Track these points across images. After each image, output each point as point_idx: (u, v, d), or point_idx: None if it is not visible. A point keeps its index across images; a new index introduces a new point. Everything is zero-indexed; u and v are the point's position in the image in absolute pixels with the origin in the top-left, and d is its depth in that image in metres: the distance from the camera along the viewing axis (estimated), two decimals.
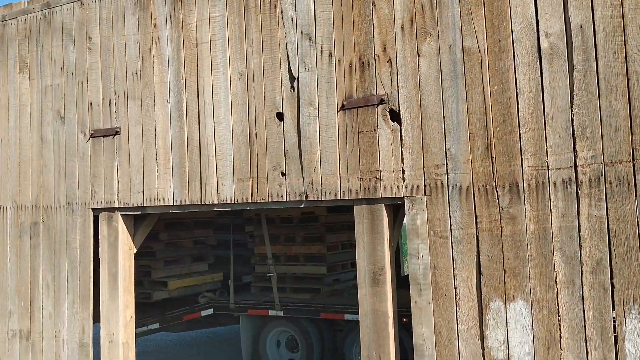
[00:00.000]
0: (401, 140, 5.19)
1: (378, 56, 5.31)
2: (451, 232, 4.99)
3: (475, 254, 4.90)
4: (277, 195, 5.71)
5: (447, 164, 5.01)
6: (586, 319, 4.52)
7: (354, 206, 5.39)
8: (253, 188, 5.84)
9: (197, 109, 6.23)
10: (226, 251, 11.47)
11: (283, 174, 5.70)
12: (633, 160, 4.39)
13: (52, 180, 7.26)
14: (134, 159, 6.60)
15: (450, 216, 4.99)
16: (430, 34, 5.10)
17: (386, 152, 5.24)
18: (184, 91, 6.31)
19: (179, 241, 10.99)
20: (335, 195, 5.45)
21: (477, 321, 4.87)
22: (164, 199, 6.38)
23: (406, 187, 5.16)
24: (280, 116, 5.77)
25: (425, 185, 5.10)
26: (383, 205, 5.27)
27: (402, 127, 5.19)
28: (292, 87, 5.69)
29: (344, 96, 5.44)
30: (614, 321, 4.46)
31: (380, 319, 5.24)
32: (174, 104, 6.37)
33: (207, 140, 6.15)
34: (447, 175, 5.01)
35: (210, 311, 10.42)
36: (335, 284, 10.33)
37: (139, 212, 6.65)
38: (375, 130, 5.29)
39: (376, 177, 5.27)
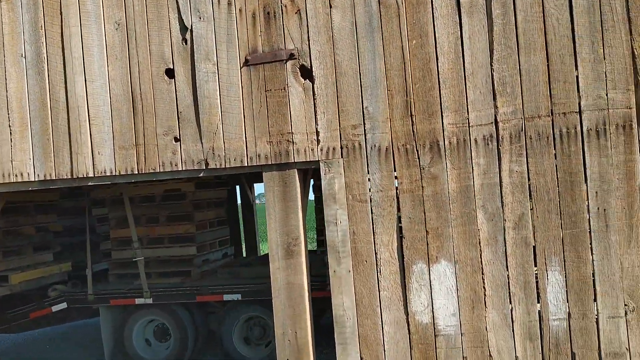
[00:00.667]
0: (314, 99, 4.77)
1: (285, 6, 4.81)
2: (370, 195, 4.71)
3: (396, 216, 4.68)
4: (171, 164, 5.00)
5: (364, 123, 4.71)
6: (510, 275, 4.53)
7: (264, 173, 4.88)
8: (140, 157, 5.05)
9: (62, 65, 5.22)
10: (72, 238, 10.21)
11: (177, 140, 5.00)
12: (552, 114, 4.44)
13: None
14: None
15: (369, 179, 4.71)
16: None
17: (298, 112, 4.80)
18: (44, 44, 5.25)
19: (18, 228, 9.52)
20: (242, 161, 4.89)
21: (400, 286, 4.68)
22: (22, 174, 5.30)
23: (321, 150, 4.77)
24: (170, 73, 5.03)
25: (342, 147, 4.75)
26: (296, 170, 4.84)
27: (315, 85, 4.77)
28: (185, 39, 4.98)
29: (248, 51, 4.88)
30: (537, 275, 4.52)
31: (296, 293, 4.84)
32: (32, 59, 5.28)
33: (77, 102, 5.19)
34: (365, 136, 4.71)
35: (64, 305, 9.17)
36: (205, 265, 9.69)
37: None
38: (285, 89, 4.81)
39: (288, 140, 4.81)
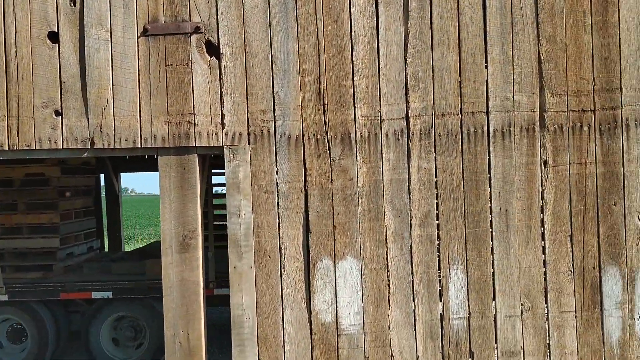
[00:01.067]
0: (221, 79, 4.40)
1: None
2: (277, 186, 4.43)
3: (304, 210, 4.44)
4: (50, 141, 4.35)
5: (275, 109, 4.42)
6: (414, 273, 4.46)
7: (160, 157, 4.41)
8: (12, 131, 4.35)
9: None
10: None
11: (58, 114, 4.37)
12: (461, 113, 4.45)
13: None
14: None
15: (277, 168, 4.43)
16: None
17: (202, 91, 4.39)
18: None
19: None
20: (134, 142, 4.37)
21: (304, 283, 4.44)
22: None
23: (226, 135, 4.40)
24: (54, 37, 4.39)
25: (249, 133, 4.42)
26: (196, 155, 4.42)
27: (222, 64, 4.40)
28: (73, 0, 4.38)
29: (147, 19, 4.38)
30: (440, 273, 4.49)
31: (190, 291, 4.41)
32: None
33: None
34: (275, 123, 4.42)
35: None
36: (69, 259, 8.78)
37: None
38: (188, 65, 4.39)
39: (189, 122, 4.39)
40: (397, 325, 4.46)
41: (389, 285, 4.45)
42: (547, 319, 4.49)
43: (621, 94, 4.47)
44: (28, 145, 4.34)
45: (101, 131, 4.36)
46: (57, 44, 4.38)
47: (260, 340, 4.41)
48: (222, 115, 4.39)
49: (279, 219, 4.42)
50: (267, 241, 4.42)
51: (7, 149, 4.35)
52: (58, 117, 4.36)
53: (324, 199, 4.43)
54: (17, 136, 4.34)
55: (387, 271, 4.45)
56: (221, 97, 4.39)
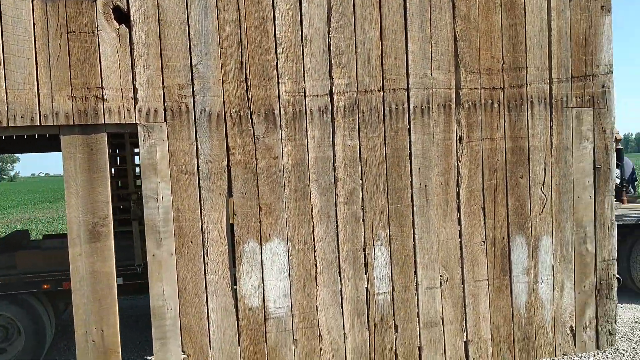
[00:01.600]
0: (132, 49, 3.97)
1: None
2: (198, 166, 4.13)
3: (227, 191, 4.19)
4: None
5: (193, 83, 4.09)
6: (340, 251, 4.42)
7: (62, 136, 3.90)
8: None
9: None
10: None
11: None
12: (383, 90, 4.44)
13: None
14: None
15: (197, 147, 4.12)
16: None
17: (111, 63, 3.94)
18: None
19: None
20: (32, 119, 3.82)
21: (229, 268, 4.21)
22: None
23: (140, 111, 4.00)
24: None
25: (166, 110, 4.06)
26: (105, 134, 3.98)
27: (132, 32, 3.97)
28: None
29: None
30: (365, 250, 4.50)
31: (103, 283, 4.00)
32: None
33: None
34: (194, 98, 4.10)
35: None
36: None
37: None
38: (94, 33, 3.90)
39: (97, 97, 3.92)
40: (324, 305, 4.40)
41: (316, 265, 4.37)
42: (464, 289, 4.68)
43: (526, 73, 4.73)
44: None
45: None
46: None
47: (184, 331, 4.13)
48: (135, 90, 3.98)
49: (200, 202, 4.14)
50: (189, 226, 4.12)
51: None
52: None
53: (248, 179, 4.21)
54: None
55: (314, 251, 4.37)
56: (133, 69, 3.97)
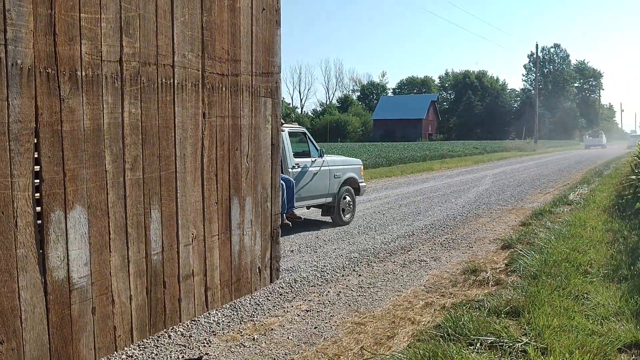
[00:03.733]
0: None
1: None
2: (9, 125, 3.60)
3: (34, 154, 3.79)
4: None
5: (6, 31, 3.55)
6: (127, 216, 4.56)
7: None
8: None
9: None
10: None
11: None
12: (157, 64, 4.78)
13: None
14: None
15: (9, 104, 3.59)
16: None
17: None
18: None
19: None
20: None
21: (36, 240, 3.82)
22: None
23: None
24: None
25: None
26: None
27: None
28: None
29: None
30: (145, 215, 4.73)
31: None
32: None
33: None
34: (6, 47, 3.56)
35: None
36: None
37: None
38: None
39: None
40: (116, 270, 4.45)
41: (109, 231, 4.38)
42: (204, 244, 5.45)
43: (240, 65, 5.84)
44: None
45: None
46: None
47: None
48: None
49: (11, 166, 3.62)
50: (0, 194, 3.56)
51: None
52: None
53: (55, 142, 3.91)
54: None
55: (108, 217, 4.37)
56: None
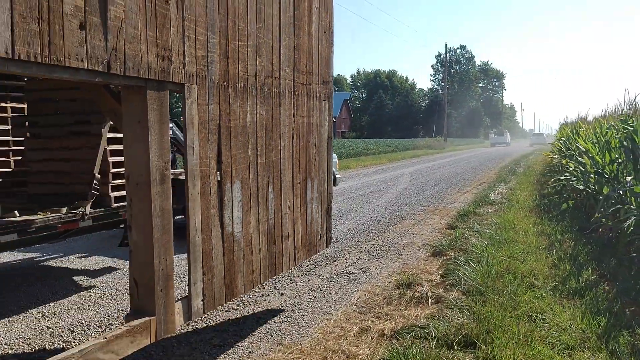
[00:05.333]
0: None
1: None
2: (208, 123, 5.18)
3: (218, 143, 5.38)
4: (77, 58, 3.58)
5: (208, 56, 5.13)
6: (259, 189, 6.17)
7: (149, 90, 4.34)
8: (43, 38, 3.30)
9: None
10: None
11: (82, 27, 3.63)
12: (272, 76, 6.41)
13: None
14: None
15: (208, 108, 5.17)
16: None
17: (174, 28, 4.62)
18: None
19: None
20: (139, 72, 4.17)
21: (218, 203, 5.40)
22: None
23: (187, 74, 4.80)
24: None
25: (196, 75, 4.96)
26: (168, 91, 4.62)
27: None
28: None
29: None
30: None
31: (167, 219, 4.63)
32: None
33: None
34: (208, 68, 5.14)
35: None
36: None
37: None
38: None
39: (169, 57, 4.53)
40: (252, 229, 6.06)
41: (249, 200, 5.98)
42: (293, 214, 7.10)
43: (312, 76, 7.51)
44: (60, 61, 3.42)
45: (116, 55, 3.94)
46: None
47: (204, 254, 5.12)
48: (184, 55, 4.77)
49: (209, 152, 5.21)
50: (206, 170, 5.14)
51: (41, 61, 3.29)
52: (82, 32, 3.64)
53: (227, 135, 5.50)
54: (52, 47, 3.35)
55: (250, 190, 5.97)
56: (184, 36, 4.76)
